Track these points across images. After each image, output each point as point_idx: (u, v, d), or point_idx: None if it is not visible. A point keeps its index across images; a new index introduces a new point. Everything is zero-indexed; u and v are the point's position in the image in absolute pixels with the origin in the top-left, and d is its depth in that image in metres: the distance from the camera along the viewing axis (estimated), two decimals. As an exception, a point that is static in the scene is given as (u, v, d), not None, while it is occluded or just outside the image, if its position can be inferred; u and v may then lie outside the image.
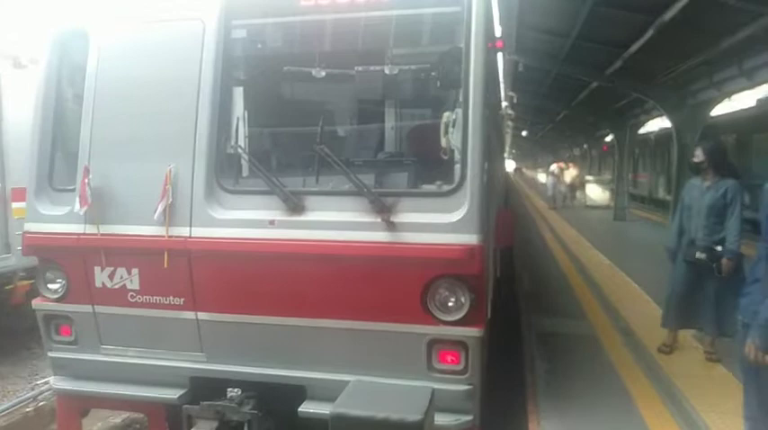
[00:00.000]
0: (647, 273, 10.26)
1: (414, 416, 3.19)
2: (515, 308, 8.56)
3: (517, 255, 12.35)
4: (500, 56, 6.13)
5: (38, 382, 8.03)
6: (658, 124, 24.56)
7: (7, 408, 7.16)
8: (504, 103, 14.07)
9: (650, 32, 9.93)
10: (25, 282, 8.88)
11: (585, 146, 30.21)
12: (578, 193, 27.47)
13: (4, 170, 8.65)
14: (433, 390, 3.59)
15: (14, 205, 8.73)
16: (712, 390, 5.38)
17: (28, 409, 7.24)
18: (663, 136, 23.87)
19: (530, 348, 6.71)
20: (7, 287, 8.75)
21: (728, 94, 13.13)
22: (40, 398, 7.47)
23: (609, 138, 25.94)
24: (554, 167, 27.56)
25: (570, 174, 27.52)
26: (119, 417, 7.60)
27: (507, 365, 6.43)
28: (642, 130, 22.84)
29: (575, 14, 10.46)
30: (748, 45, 9.72)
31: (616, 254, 12.47)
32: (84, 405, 4.85)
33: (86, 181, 4.14)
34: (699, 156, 5.98)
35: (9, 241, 8.67)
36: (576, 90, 18.08)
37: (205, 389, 4.25)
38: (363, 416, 3.26)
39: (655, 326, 6.80)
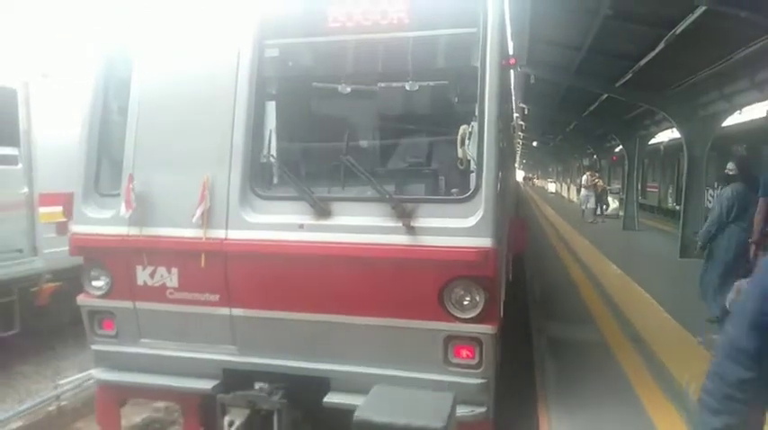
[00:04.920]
0: (657, 282, 10.35)
1: (436, 423, 3.27)
2: (526, 314, 8.66)
3: (528, 264, 12.45)
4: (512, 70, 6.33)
5: (60, 382, 8.17)
6: (668, 135, 24.60)
7: (30, 408, 7.29)
8: (515, 115, 14.23)
9: (661, 45, 10.03)
10: (51, 285, 9.07)
11: (595, 156, 30.15)
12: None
13: (32, 176, 8.84)
14: (455, 397, 3.75)
15: (42, 210, 8.92)
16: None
17: (51, 408, 7.38)
18: (672, 146, 23.88)
19: (540, 352, 6.84)
20: (33, 289, 8.90)
21: (740, 107, 13.20)
22: (62, 397, 7.60)
23: (619, 149, 25.92)
24: (587, 178, 24.32)
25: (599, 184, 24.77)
26: (138, 417, 7.76)
27: (518, 368, 6.53)
28: (652, 141, 22.85)
29: (586, 28, 10.61)
30: (760, 57, 9.81)
31: (626, 263, 12.51)
32: (123, 395, 5.13)
33: (131, 187, 4.46)
34: (732, 169, 7.61)
35: (36, 244, 8.85)
36: (586, 101, 18.18)
37: (236, 380, 4.50)
38: (386, 423, 3.35)
39: (664, 333, 6.92)
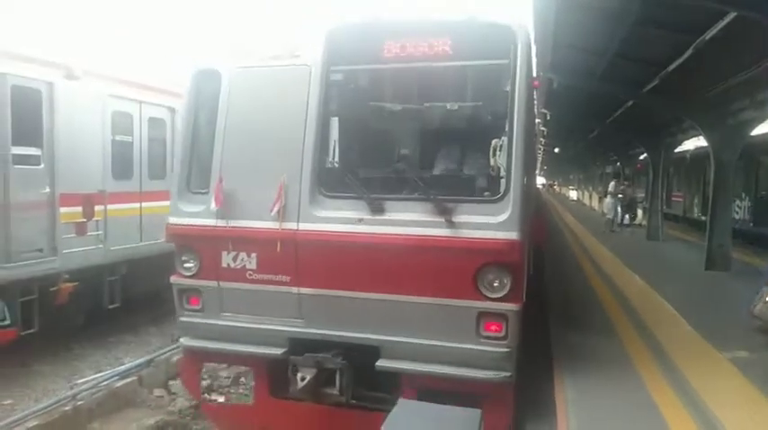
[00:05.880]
0: (681, 295, 10.07)
1: None
2: (545, 324, 8.48)
3: (548, 274, 12.24)
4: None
5: (77, 382, 8.25)
6: (694, 143, 24.07)
7: (46, 407, 7.37)
8: (537, 120, 14.04)
9: (690, 52, 9.82)
10: (69, 284, 9.17)
11: (619, 164, 29.65)
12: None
13: (54, 176, 8.94)
14: (482, 415, 4.20)
15: (62, 210, 9.03)
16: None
17: (66, 408, 7.46)
18: (699, 155, 23.40)
19: (559, 362, 6.73)
20: (52, 289, 9.00)
21: (770, 115, 12.85)
22: (78, 397, 7.68)
23: (643, 157, 25.45)
24: (614, 185, 23.64)
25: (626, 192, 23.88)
26: (152, 419, 7.79)
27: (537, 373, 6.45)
28: (678, 149, 22.37)
29: (612, 33, 10.40)
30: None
31: (650, 274, 12.22)
32: (203, 359, 6.02)
33: (220, 186, 5.42)
34: None
35: (56, 244, 8.95)
36: (610, 108, 17.87)
37: (300, 347, 5.43)
38: None
39: (687, 347, 6.76)
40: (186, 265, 5.71)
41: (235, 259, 5.50)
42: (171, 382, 8.97)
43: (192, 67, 5.88)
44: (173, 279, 5.83)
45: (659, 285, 11.00)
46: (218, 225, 5.49)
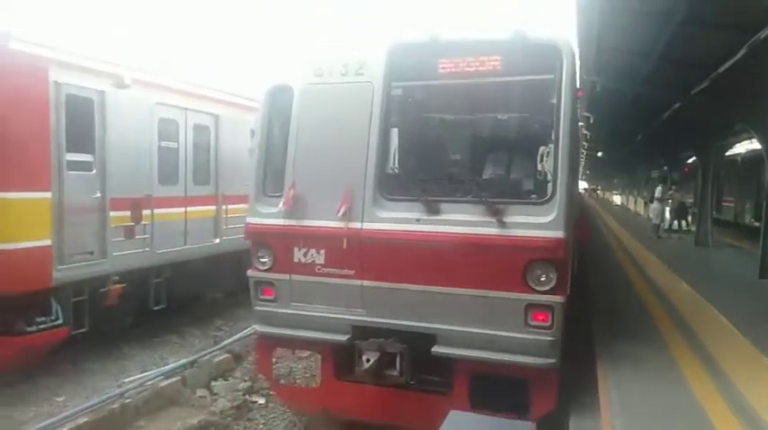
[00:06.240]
0: (734, 303, 9.68)
1: None
2: (588, 328, 8.29)
3: (591, 278, 11.95)
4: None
5: (125, 380, 8.48)
6: (746, 146, 23.12)
7: (96, 404, 7.58)
8: (579, 124, 13.75)
9: (742, 51, 9.45)
10: (118, 286, 9.45)
11: (665, 167, 28.71)
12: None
13: (105, 182, 9.24)
14: (534, 427, 4.54)
15: (112, 214, 9.32)
16: None
17: (114, 406, 7.66)
18: (752, 158, 22.46)
19: (603, 360, 6.65)
20: (101, 290, 9.28)
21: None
22: (126, 395, 7.89)
23: (692, 160, 24.57)
24: (660, 190, 22.96)
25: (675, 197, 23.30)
26: (195, 419, 7.94)
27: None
28: (728, 152, 21.49)
29: (657, 34, 10.11)
30: None
31: (699, 281, 11.77)
32: (275, 344, 6.81)
33: (292, 189, 6.07)
34: None
35: (106, 247, 9.23)
36: (656, 110, 17.33)
37: (362, 334, 6.05)
38: None
39: (740, 357, 6.54)
40: (262, 260, 6.35)
41: (305, 255, 6.13)
42: (213, 383, 9.13)
43: (267, 83, 6.49)
44: (249, 272, 6.46)
45: (709, 293, 10.60)
46: (291, 224, 6.12)
